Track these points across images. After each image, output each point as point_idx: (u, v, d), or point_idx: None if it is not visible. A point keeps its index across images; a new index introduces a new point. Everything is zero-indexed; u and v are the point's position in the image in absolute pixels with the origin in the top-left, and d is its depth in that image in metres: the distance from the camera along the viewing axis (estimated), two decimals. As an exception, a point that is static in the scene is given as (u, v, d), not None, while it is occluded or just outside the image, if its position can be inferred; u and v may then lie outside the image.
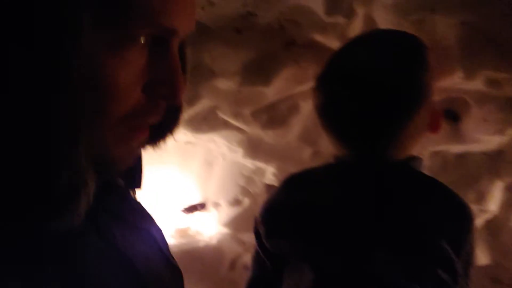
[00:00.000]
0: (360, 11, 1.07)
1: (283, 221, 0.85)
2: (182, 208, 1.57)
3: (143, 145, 0.49)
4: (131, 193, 0.58)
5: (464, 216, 0.78)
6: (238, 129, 1.36)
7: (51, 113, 0.32)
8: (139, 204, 0.60)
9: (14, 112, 0.32)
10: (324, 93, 0.83)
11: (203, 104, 1.25)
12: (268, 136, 1.38)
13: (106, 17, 0.34)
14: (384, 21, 1.05)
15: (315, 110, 0.86)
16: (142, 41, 0.38)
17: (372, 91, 0.76)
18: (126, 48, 0.36)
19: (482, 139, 1.22)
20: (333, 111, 0.82)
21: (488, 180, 1.32)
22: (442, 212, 0.77)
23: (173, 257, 0.60)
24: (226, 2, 1.02)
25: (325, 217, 0.80)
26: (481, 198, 1.35)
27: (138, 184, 0.55)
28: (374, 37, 0.89)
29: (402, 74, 0.78)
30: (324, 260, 0.76)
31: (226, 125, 1.34)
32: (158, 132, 0.51)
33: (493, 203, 1.36)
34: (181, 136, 1.52)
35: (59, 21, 0.31)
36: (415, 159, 0.83)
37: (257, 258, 0.93)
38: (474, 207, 1.34)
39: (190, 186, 1.62)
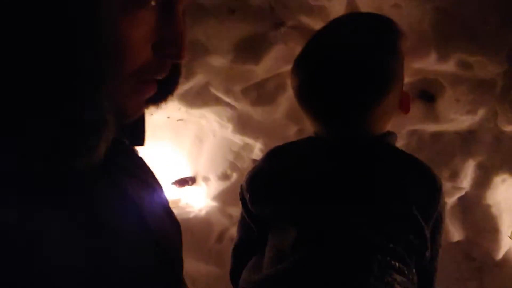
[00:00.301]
0: (344, -5, 1.15)
1: (267, 186, 0.92)
2: (173, 181, 1.64)
3: (148, 103, 0.53)
4: (135, 150, 0.63)
5: (433, 185, 0.84)
6: (228, 105, 1.44)
7: (77, 59, 0.37)
8: (144, 161, 0.64)
9: (47, 54, 0.36)
10: (300, 74, 0.87)
11: (197, 79, 1.33)
12: (256, 113, 1.46)
13: None
14: (365, 5, 1.14)
15: (293, 91, 0.91)
16: (153, 3, 0.43)
17: (343, 74, 0.81)
18: (138, 10, 0.42)
19: (456, 119, 1.31)
20: (307, 91, 0.86)
21: (461, 159, 1.41)
22: (412, 180, 0.84)
23: (173, 212, 0.64)
24: (221, -18, 1.09)
25: (308, 182, 0.86)
26: (455, 176, 1.43)
27: (141, 141, 0.58)
28: (349, 21, 0.93)
29: (371, 58, 0.82)
30: (308, 220, 0.83)
31: (217, 101, 1.42)
32: (161, 92, 0.54)
33: (466, 181, 1.44)
34: (173, 113, 1.60)
35: None
36: (389, 134, 0.89)
37: (242, 223, 1.00)
38: (448, 185, 1.43)
39: (181, 161, 1.69)
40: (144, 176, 0.59)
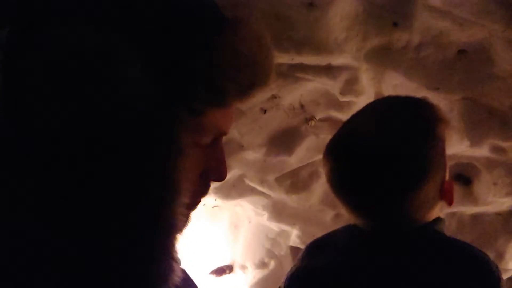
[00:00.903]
0: (371, 90, 1.20)
1: None
2: (211, 271, 1.64)
3: None
4: None
5: (491, 275, 0.75)
6: (263, 194, 1.47)
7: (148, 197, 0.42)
8: (186, 273, 0.68)
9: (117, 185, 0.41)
10: (329, 161, 0.82)
11: (232, 173, 1.37)
12: (291, 200, 1.48)
13: (189, 138, 0.46)
14: (394, 98, 1.18)
15: (325, 177, 0.85)
16: (207, 143, 0.49)
17: (375, 162, 0.76)
18: (198, 151, 0.48)
19: (494, 201, 1.29)
20: (337, 180, 0.81)
21: (505, 239, 1.37)
22: (469, 273, 0.76)
23: None
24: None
25: (348, 284, 0.84)
26: (500, 257, 1.39)
27: None
28: (384, 104, 0.87)
29: (405, 145, 0.76)
30: None
31: (252, 191, 1.45)
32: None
33: (512, 261, 1.40)
34: (208, 200, 1.64)
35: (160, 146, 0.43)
36: (435, 222, 0.81)
37: None
38: (494, 266, 1.38)
39: (217, 249, 1.70)
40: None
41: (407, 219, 0.79)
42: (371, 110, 0.85)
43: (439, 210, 0.83)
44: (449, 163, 1.30)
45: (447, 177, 0.80)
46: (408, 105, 0.83)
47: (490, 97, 1.13)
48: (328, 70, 1.16)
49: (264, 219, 1.55)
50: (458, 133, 1.19)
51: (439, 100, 1.16)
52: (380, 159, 0.75)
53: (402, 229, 0.80)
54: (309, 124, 1.32)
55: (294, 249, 1.53)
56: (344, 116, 1.27)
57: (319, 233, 1.06)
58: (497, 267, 0.75)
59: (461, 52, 1.09)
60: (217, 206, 1.71)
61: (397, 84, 1.15)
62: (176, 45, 0.43)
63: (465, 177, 1.31)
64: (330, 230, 1.01)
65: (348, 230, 0.89)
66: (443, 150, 0.79)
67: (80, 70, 0.38)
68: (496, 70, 1.08)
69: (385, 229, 0.80)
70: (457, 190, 1.33)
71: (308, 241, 1.02)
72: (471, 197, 1.32)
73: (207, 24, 0.45)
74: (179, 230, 0.52)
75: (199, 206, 0.66)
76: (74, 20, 0.40)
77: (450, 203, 0.82)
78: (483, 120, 1.15)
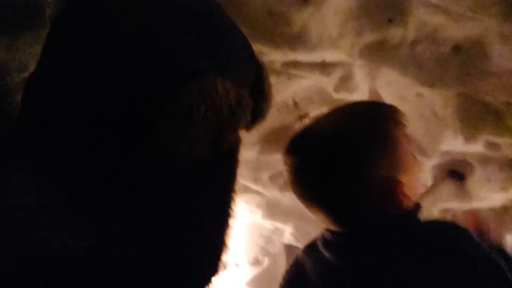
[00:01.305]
0: (365, 87, 1.19)
1: None
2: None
3: None
4: None
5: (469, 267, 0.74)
6: (257, 192, 1.45)
7: None
8: None
9: None
10: (285, 161, 0.83)
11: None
12: (285, 198, 1.46)
13: None
14: (388, 95, 1.17)
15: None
16: None
17: (318, 160, 0.77)
18: None
19: (488, 196, 1.29)
20: (292, 181, 0.81)
21: (499, 235, 1.38)
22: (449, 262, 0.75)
23: None
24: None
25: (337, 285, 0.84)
26: (494, 252, 1.40)
27: None
28: (343, 108, 0.88)
29: (345, 141, 0.77)
30: None
31: (246, 189, 1.44)
32: None
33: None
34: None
35: None
36: (408, 212, 0.79)
37: None
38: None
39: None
40: None
41: (368, 212, 0.78)
42: (332, 112, 0.86)
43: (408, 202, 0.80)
44: (442, 160, 1.30)
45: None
46: (365, 107, 0.86)
47: (485, 93, 1.12)
48: (322, 67, 1.14)
49: (258, 217, 1.53)
50: (453, 129, 1.18)
51: (433, 96, 1.15)
52: (323, 157, 0.76)
53: (364, 223, 0.78)
54: (303, 122, 1.30)
55: (288, 247, 1.53)
56: (338, 113, 1.25)
57: (313, 231, 1.05)
58: (478, 243, 0.75)
59: (456, 48, 1.08)
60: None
61: (391, 81, 1.14)
62: None
63: (458, 173, 1.31)
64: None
65: (327, 234, 0.86)
66: (395, 150, 0.78)
67: None
68: (492, 66, 1.07)
69: (344, 227, 0.80)
70: (451, 186, 1.33)
71: (302, 238, 1.03)
72: (465, 193, 1.32)
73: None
74: None
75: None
76: None
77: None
78: (478, 116, 1.14)
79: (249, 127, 0.58)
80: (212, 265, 0.55)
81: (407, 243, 0.76)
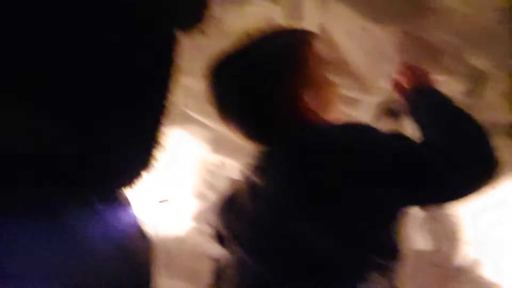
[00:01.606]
0: (315, 18, 1.20)
1: None
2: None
3: None
4: None
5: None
6: (204, 125, 1.45)
7: None
8: None
9: None
10: (210, 80, 0.98)
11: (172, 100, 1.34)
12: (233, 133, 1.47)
13: None
14: (336, 28, 1.19)
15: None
16: None
17: (239, 76, 0.92)
18: None
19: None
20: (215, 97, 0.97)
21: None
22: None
23: (145, 230, 0.71)
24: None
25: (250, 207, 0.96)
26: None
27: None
28: (264, 35, 0.99)
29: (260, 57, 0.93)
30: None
31: (192, 121, 1.43)
32: None
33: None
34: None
35: None
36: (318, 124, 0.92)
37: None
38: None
39: (155, 180, 1.68)
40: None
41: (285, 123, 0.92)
42: (256, 39, 0.98)
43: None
44: (380, 98, 1.35)
45: (310, 95, 0.91)
46: (283, 33, 1.01)
47: (426, 31, 1.17)
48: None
49: (204, 151, 1.54)
50: (392, 66, 1.23)
51: (380, 32, 1.19)
52: (241, 75, 0.92)
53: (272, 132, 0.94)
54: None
55: (235, 182, 1.55)
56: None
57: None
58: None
59: (403, -17, 1.11)
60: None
61: (339, 13, 1.16)
62: None
63: (394, 111, 1.37)
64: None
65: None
66: (302, 69, 0.92)
67: None
68: (436, 4, 1.12)
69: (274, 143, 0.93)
70: (390, 124, 1.40)
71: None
72: (400, 130, 1.39)
73: None
74: None
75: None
76: None
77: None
78: (418, 54, 1.19)
79: (184, 26, 0.61)
80: (143, 159, 0.57)
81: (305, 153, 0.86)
